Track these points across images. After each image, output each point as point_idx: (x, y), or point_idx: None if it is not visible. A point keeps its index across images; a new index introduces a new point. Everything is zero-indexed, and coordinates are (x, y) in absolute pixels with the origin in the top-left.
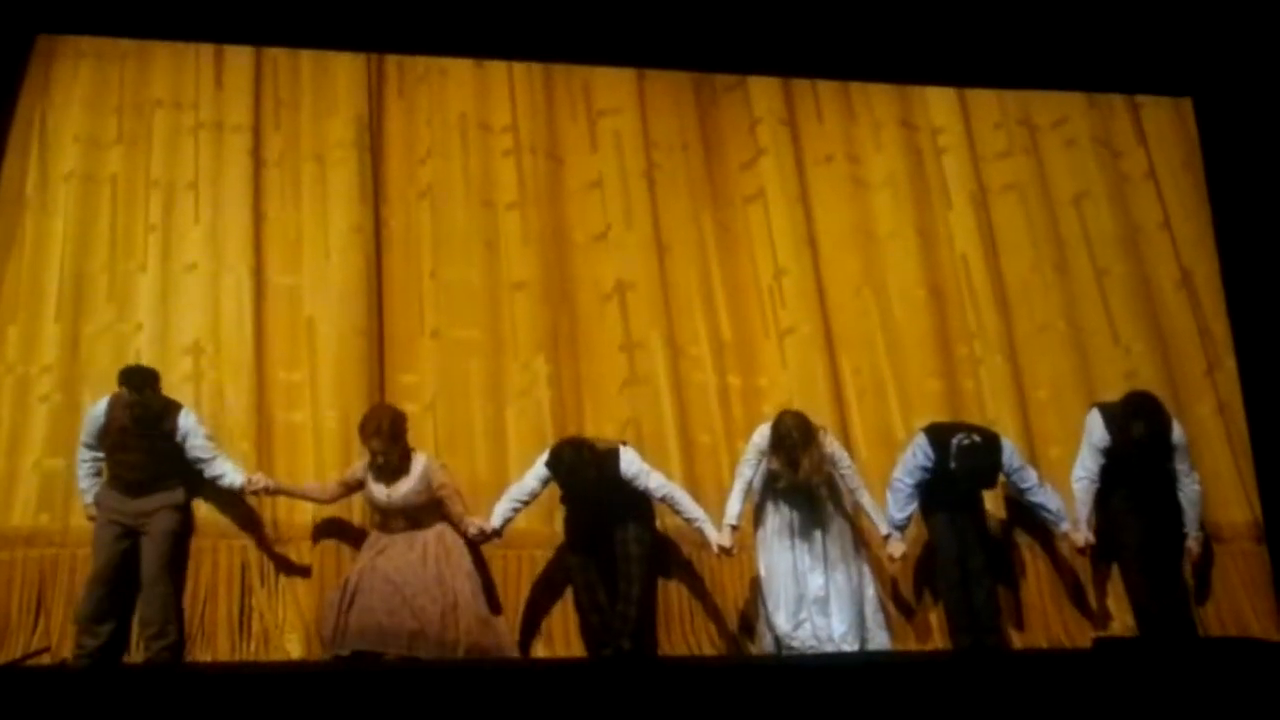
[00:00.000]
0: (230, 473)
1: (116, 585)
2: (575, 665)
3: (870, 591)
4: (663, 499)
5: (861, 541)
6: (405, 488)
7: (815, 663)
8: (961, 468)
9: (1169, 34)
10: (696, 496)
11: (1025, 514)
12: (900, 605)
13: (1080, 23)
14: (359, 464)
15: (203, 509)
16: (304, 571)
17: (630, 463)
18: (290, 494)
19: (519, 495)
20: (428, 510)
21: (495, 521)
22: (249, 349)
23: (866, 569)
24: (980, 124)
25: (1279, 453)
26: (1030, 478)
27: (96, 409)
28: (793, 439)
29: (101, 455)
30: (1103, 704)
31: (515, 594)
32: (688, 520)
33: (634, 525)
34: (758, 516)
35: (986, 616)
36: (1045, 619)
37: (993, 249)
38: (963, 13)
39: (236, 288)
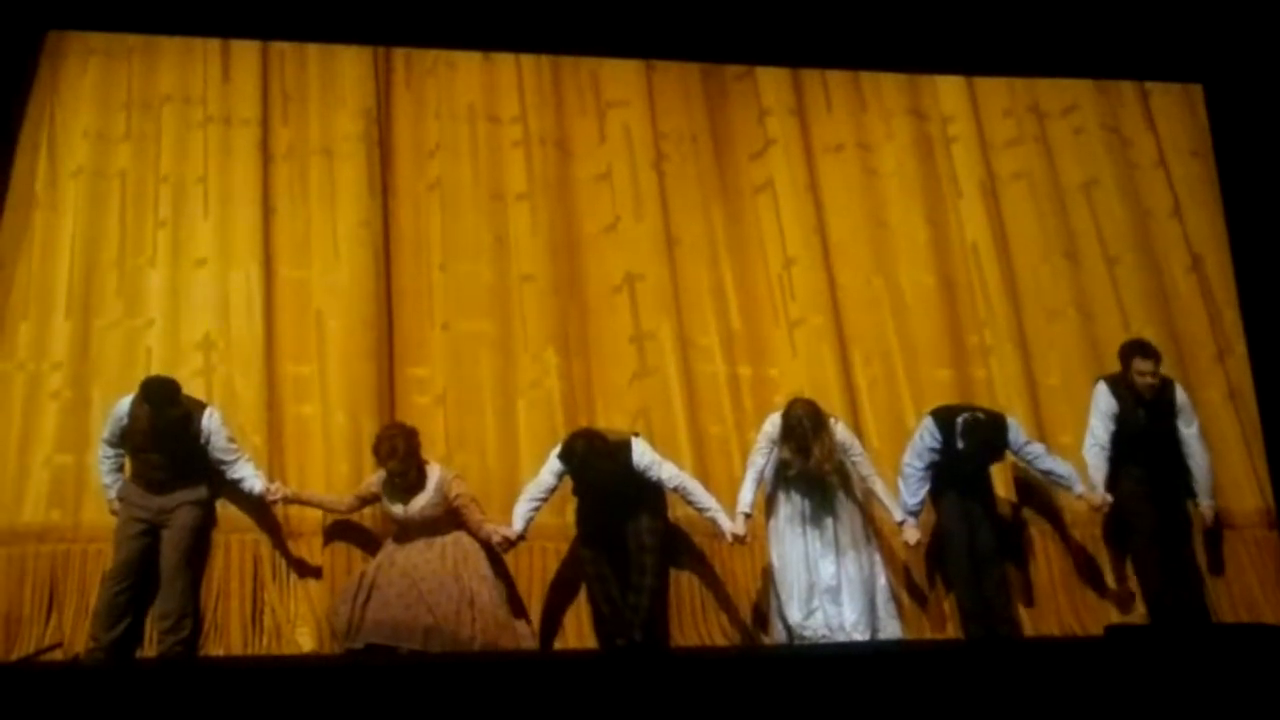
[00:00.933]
0: (250, 477)
1: (135, 581)
2: (587, 657)
3: (882, 580)
4: (675, 489)
5: (873, 530)
6: (422, 502)
7: (827, 653)
8: (969, 445)
9: (1179, 20)
10: (708, 487)
11: (1036, 499)
12: (912, 594)
13: (1089, 9)
14: (373, 479)
15: (215, 503)
16: (315, 566)
17: (642, 454)
18: (307, 503)
19: (536, 494)
20: (445, 521)
21: (517, 525)
22: (259, 343)
23: (878, 558)
24: (989, 112)
25: None
26: (1038, 449)
27: (119, 409)
28: (804, 427)
29: (123, 452)
30: (1115, 692)
31: (527, 587)
32: (700, 510)
33: (646, 517)
34: (769, 506)
35: (998, 605)
36: (1057, 606)
37: (1003, 237)
38: (971, 0)
39: (246, 282)
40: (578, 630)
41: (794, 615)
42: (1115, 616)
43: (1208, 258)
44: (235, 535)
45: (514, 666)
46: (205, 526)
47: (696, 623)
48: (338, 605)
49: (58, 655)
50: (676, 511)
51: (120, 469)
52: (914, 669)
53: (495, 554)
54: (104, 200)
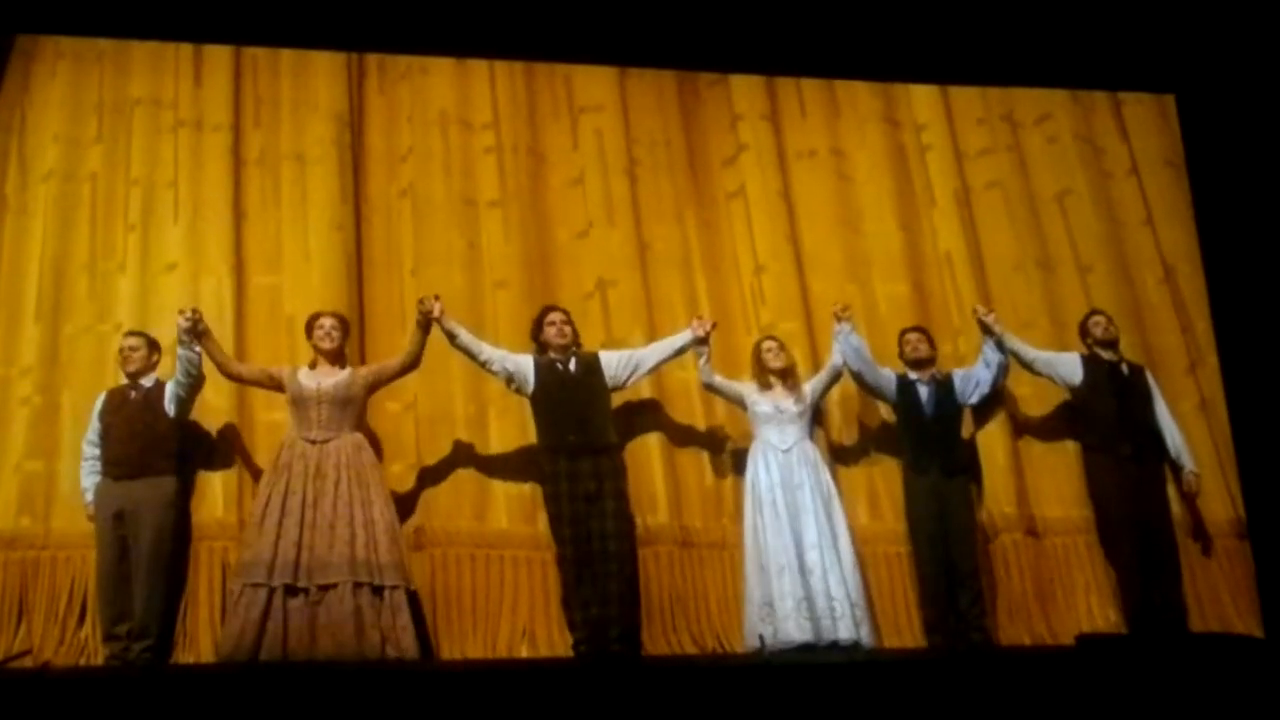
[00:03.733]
0: (181, 375)
1: (126, 579)
2: (558, 666)
3: (855, 592)
4: (642, 365)
5: (850, 540)
6: (335, 379)
7: (798, 662)
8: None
9: (1152, 31)
10: (680, 496)
11: (1007, 505)
12: (884, 603)
13: (1063, 19)
14: (286, 367)
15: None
16: None
17: (607, 355)
18: (210, 348)
19: (488, 347)
20: (349, 408)
21: (451, 325)
22: (229, 348)
23: (852, 565)
24: (963, 120)
25: (1261, 449)
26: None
27: (98, 403)
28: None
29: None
30: (1087, 702)
31: (498, 594)
32: (671, 356)
33: (614, 519)
34: (747, 505)
35: (972, 618)
36: (1028, 616)
37: (976, 246)
38: (946, 10)
39: (217, 287)
40: (549, 639)
41: (784, 586)
42: (1088, 625)
43: (1180, 268)
44: (204, 543)
45: (486, 675)
46: (176, 529)
47: (666, 632)
48: (254, 541)
49: (26, 662)
50: (646, 520)
51: (99, 472)
52: (884, 679)
53: (386, 491)
54: (74, 204)
